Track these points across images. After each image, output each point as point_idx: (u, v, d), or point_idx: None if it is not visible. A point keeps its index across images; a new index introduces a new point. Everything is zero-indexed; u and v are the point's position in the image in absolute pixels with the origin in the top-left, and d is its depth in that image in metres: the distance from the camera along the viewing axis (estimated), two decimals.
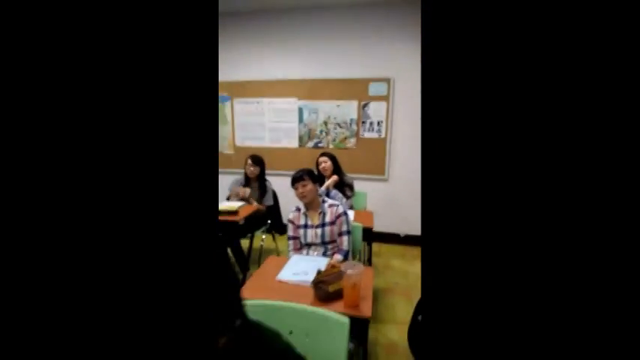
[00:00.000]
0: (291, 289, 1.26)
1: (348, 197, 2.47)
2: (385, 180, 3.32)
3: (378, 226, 3.01)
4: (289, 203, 2.02)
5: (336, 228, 1.73)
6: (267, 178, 2.75)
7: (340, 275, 1.19)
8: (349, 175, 2.63)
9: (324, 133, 3.38)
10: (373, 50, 3.15)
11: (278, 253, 2.74)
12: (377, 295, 2.26)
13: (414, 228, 3.31)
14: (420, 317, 1.18)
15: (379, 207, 3.16)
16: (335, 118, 3.33)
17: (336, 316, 0.99)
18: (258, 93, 3.48)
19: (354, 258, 1.91)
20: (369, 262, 2.26)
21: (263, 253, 2.63)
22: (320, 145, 3.40)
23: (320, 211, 1.76)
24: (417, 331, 1.23)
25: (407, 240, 3.33)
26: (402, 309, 2.13)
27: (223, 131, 3.66)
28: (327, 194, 2.27)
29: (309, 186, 1.72)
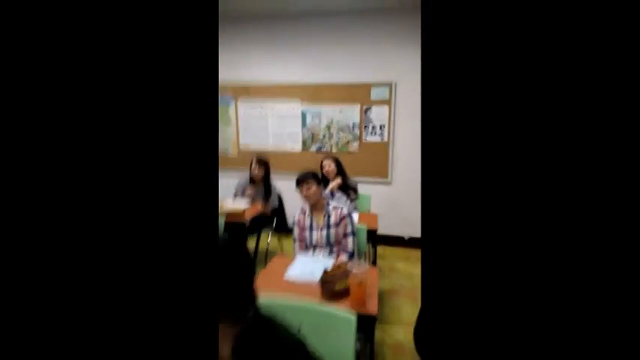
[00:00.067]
0: (298, 288, 1.28)
1: (352, 200, 2.49)
2: (388, 183, 3.34)
3: (382, 229, 3.01)
4: (294, 204, 2.04)
5: (340, 230, 1.75)
6: (272, 180, 2.78)
7: (346, 274, 1.21)
8: (353, 179, 2.65)
9: (327, 137, 3.42)
10: (375, 55, 3.20)
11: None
12: (382, 297, 2.26)
13: (418, 231, 3.30)
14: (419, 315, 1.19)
15: (383, 210, 3.17)
16: (338, 123, 3.37)
17: (343, 314, 1.01)
18: (262, 95, 3.53)
19: (358, 260, 1.92)
20: (373, 263, 2.27)
21: (269, 254, 2.65)
22: (323, 149, 3.43)
23: (325, 212, 1.78)
24: (422, 331, 1.24)
25: (411, 243, 3.33)
26: (407, 310, 2.13)
27: (227, 132, 3.70)
28: (332, 196, 2.29)
29: (314, 188, 1.75)
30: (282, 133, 3.55)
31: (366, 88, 3.24)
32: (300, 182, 1.76)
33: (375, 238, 2.19)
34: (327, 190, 2.39)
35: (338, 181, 2.50)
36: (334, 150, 3.39)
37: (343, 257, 1.69)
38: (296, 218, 1.83)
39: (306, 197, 1.75)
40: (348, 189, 2.52)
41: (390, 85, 3.19)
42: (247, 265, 0.65)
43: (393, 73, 3.17)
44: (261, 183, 2.70)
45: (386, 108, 3.23)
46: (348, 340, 0.99)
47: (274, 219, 2.72)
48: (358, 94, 3.27)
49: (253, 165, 2.66)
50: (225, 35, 3.47)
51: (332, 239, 1.75)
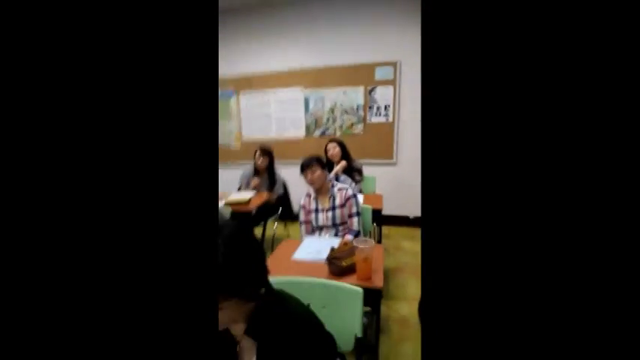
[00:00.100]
0: (306, 267, 1.33)
1: (357, 182, 2.53)
2: (394, 164, 3.36)
3: (388, 209, 3.06)
4: (299, 192, 2.09)
5: (346, 210, 1.80)
6: (276, 168, 2.81)
7: (352, 251, 1.26)
8: (358, 161, 2.68)
9: (330, 121, 3.42)
10: (378, 35, 3.15)
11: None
12: (388, 275, 2.33)
13: None
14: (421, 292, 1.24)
15: (388, 190, 3.21)
16: (342, 105, 3.36)
17: (350, 287, 1.06)
18: (264, 85, 3.52)
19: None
20: (379, 242, 2.33)
21: (275, 241, 2.72)
22: (327, 132, 3.44)
23: (330, 195, 1.82)
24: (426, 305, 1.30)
25: (416, 222, 3.38)
26: (412, 286, 2.20)
27: (229, 126, 3.72)
28: (337, 179, 2.33)
29: (318, 172, 1.78)
30: (284, 120, 3.56)
31: (370, 68, 3.21)
32: (304, 168, 1.79)
33: (380, 218, 2.24)
34: (332, 174, 2.42)
35: (343, 164, 2.52)
36: (338, 133, 3.40)
37: (349, 237, 1.74)
38: (302, 202, 1.87)
39: (311, 182, 1.79)
40: (352, 171, 2.55)
41: (394, 65, 3.15)
42: (256, 246, 0.69)
43: (397, 53, 3.13)
44: (265, 173, 2.74)
45: (390, 88, 3.20)
46: (355, 311, 1.05)
47: (280, 207, 2.77)
48: (362, 75, 3.24)
49: (257, 155, 2.69)
50: (224, 29, 3.44)
51: (337, 220, 1.80)
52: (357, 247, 1.21)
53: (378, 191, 2.92)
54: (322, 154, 2.53)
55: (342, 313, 1.06)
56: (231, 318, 0.60)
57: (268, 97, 3.55)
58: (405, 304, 2.00)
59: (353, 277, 1.21)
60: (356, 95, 3.30)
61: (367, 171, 2.80)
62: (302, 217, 1.87)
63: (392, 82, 3.19)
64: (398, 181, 3.36)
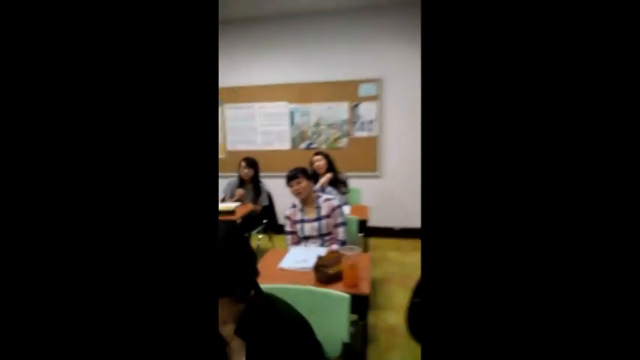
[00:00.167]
0: (293, 275, 1.33)
1: (342, 194, 2.56)
2: (378, 176, 3.43)
3: (374, 221, 3.10)
4: (284, 203, 2.09)
5: (331, 220, 1.82)
6: (261, 179, 2.82)
7: (339, 259, 1.27)
8: (343, 173, 2.72)
9: (315, 135, 3.48)
10: (362, 52, 3.28)
11: None
12: (375, 285, 2.34)
13: (408, 221, 3.41)
14: (416, 300, 1.26)
15: (374, 202, 3.25)
16: (326, 120, 3.43)
17: (337, 293, 1.07)
18: (250, 98, 3.57)
19: None
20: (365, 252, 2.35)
21: (259, 253, 2.68)
22: (312, 146, 3.49)
23: (316, 205, 1.84)
24: (414, 313, 1.31)
25: (402, 233, 3.42)
26: (399, 296, 2.22)
27: None
28: (322, 191, 2.35)
29: (304, 183, 1.80)
30: (270, 133, 3.59)
31: (354, 85, 3.32)
32: (290, 179, 1.81)
33: (366, 229, 2.27)
34: (318, 186, 2.45)
35: (328, 176, 2.56)
36: (324, 147, 3.45)
37: (335, 247, 1.76)
38: (287, 213, 1.88)
39: (297, 192, 1.81)
40: (338, 183, 2.58)
41: (377, 82, 3.27)
42: (247, 247, 0.70)
43: (381, 70, 3.26)
44: (250, 184, 2.74)
45: (374, 104, 3.31)
46: (343, 317, 1.06)
47: (265, 218, 2.76)
48: (346, 91, 3.34)
49: (242, 166, 2.70)
50: None
51: (324, 230, 1.81)
52: (343, 255, 1.22)
53: (363, 203, 2.96)
54: (308, 166, 2.56)
55: (329, 319, 1.07)
56: (221, 318, 0.61)
57: (254, 110, 3.59)
58: (393, 314, 2.01)
59: (340, 285, 1.22)
60: (340, 110, 3.38)
61: (352, 183, 2.85)
62: (288, 227, 1.87)
63: (375, 98, 3.30)
64: (382, 193, 3.43)
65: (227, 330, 0.64)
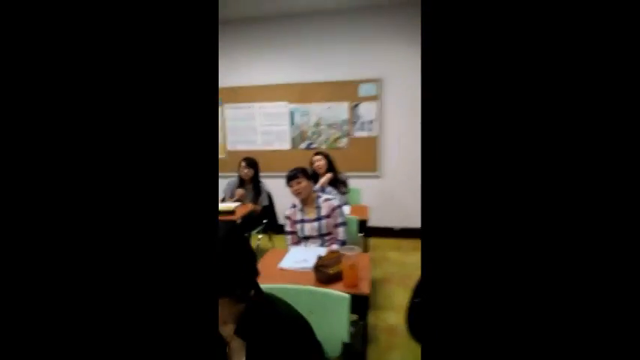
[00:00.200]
0: (292, 275, 1.33)
1: (342, 194, 2.56)
2: (378, 176, 3.43)
3: (374, 221, 3.10)
4: (284, 203, 2.10)
5: (331, 220, 1.82)
6: (261, 179, 2.82)
7: (339, 259, 1.27)
8: (343, 173, 2.72)
9: (315, 135, 3.48)
10: (362, 52, 3.27)
11: None
12: (375, 285, 2.34)
13: (408, 221, 3.41)
14: (416, 300, 1.26)
15: (374, 202, 3.25)
16: (326, 120, 3.43)
17: (337, 293, 1.07)
18: (249, 98, 3.56)
19: None
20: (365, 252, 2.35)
21: (259, 253, 2.69)
22: (312, 146, 3.49)
23: (316, 205, 1.84)
24: (414, 313, 1.31)
25: (402, 233, 3.42)
26: (399, 296, 2.22)
27: None
28: (322, 191, 2.35)
29: (304, 183, 1.80)
30: (270, 133, 3.59)
31: (354, 85, 3.31)
32: (290, 179, 1.81)
33: (366, 229, 2.27)
34: (318, 186, 2.45)
35: (328, 176, 2.56)
36: (323, 147, 3.45)
37: (335, 247, 1.76)
38: (287, 213, 1.88)
39: (297, 192, 1.81)
40: (338, 183, 2.58)
41: (377, 82, 3.27)
42: (247, 247, 0.70)
43: (381, 70, 3.25)
44: (250, 184, 2.74)
45: (374, 104, 3.31)
46: (343, 317, 1.06)
47: (265, 218, 2.76)
48: (346, 91, 3.34)
49: (242, 166, 2.70)
50: None
51: (324, 230, 1.81)
52: (343, 255, 1.22)
53: (363, 203, 2.96)
54: (308, 166, 2.56)
55: (329, 319, 1.07)
56: (221, 318, 0.61)
57: (254, 110, 3.58)
58: (393, 314, 2.01)
59: (340, 285, 1.22)
60: (340, 111, 3.38)
61: (353, 183, 2.85)
62: (288, 227, 1.87)
63: (375, 98, 3.30)
64: (382, 193, 3.42)
65: (227, 330, 0.64)
